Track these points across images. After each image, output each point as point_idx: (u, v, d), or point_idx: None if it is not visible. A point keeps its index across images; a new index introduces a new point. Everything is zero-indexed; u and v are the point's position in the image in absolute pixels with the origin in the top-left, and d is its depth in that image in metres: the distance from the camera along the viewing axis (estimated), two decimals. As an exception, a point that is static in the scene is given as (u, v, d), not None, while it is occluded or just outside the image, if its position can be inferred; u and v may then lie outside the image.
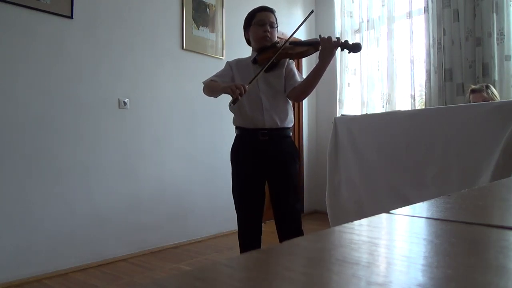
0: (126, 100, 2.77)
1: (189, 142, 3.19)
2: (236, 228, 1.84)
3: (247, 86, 1.56)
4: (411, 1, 3.64)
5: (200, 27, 3.30)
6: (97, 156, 2.60)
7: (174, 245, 3.01)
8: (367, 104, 3.96)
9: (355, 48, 1.63)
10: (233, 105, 1.57)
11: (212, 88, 1.74)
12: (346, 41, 1.66)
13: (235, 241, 3.20)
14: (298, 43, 1.78)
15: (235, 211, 1.82)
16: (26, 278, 2.24)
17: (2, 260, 2.17)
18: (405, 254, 0.30)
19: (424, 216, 0.43)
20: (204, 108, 3.31)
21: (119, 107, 2.74)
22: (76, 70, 2.53)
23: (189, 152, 3.18)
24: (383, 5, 3.82)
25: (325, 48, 1.63)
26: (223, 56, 3.47)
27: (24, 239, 2.25)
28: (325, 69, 1.68)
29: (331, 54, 1.64)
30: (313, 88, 1.77)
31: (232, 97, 1.52)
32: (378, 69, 3.89)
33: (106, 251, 2.62)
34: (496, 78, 3.09)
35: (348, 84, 4.17)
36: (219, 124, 3.43)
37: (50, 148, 2.39)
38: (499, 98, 2.69)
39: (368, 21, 3.99)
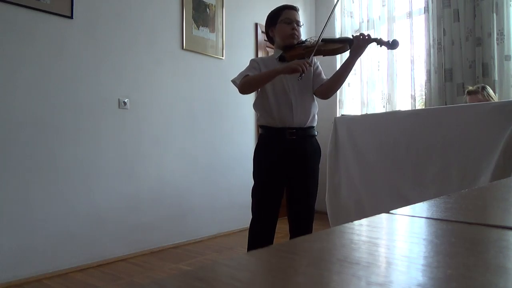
0: (126, 100, 2.77)
1: (189, 142, 3.19)
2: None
3: (309, 60, 1.60)
4: (411, 1, 3.64)
5: (200, 27, 3.30)
6: (97, 156, 2.60)
7: (174, 245, 3.01)
8: (367, 104, 3.96)
9: (393, 45, 1.67)
10: (300, 79, 1.59)
11: (261, 77, 1.70)
12: (381, 39, 1.69)
13: (235, 241, 3.22)
14: (330, 40, 1.79)
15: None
16: (26, 278, 2.24)
17: (2, 260, 2.17)
18: (405, 254, 0.30)
19: (424, 216, 0.43)
20: (204, 108, 3.31)
21: (119, 107, 2.74)
22: (76, 70, 2.53)
23: (189, 152, 3.18)
24: (383, 5, 3.82)
25: (358, 45, 1.67)
26: (223, 56, 3.47)
27: (24, 239, 2.25)
28: (353, 65, 1.73)
29: (362, 51, 1.69)
30: (342, 84, 1.80)
31: (299, 72, 1.56)
32: (378, 69, 3.89)
33: (106, 251, 2.62)
34: (496, 78, 3.09)
35: (348, 84, 4.17)
36: (219, 124, 3.43)
37: (50, 148, 2.39)
38: (495, 99, 2.69)
39: (368, 21, 3.99)
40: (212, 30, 3.40)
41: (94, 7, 2.62)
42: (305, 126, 1.75)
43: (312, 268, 0.26)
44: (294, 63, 1.58)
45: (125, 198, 2.74)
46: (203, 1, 3.33)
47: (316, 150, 1.82)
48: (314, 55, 1.75)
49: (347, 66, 1.73)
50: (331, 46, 1.74)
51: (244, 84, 1.70)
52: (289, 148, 1.73)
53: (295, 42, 1.78)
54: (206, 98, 3.33)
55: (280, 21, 1.80)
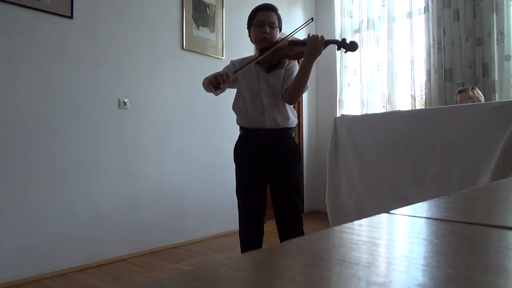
0: (126, 100, 2.77)
1: (189, 142, 3.19)
2: (236, 227, 1.85)
3: (231, 74, 1.58)
4: (411, 1, 3.64)
5: (200, 27, 3.30)
6: (97, 156, 2.60)
7: (174, 245, 3.01)
8: (367, 104, 3.95)
9: (351, 46, 1.60)
10: (214, 90, 1.58)
11: (204, 83, 1.73)
12: (344, 39, 1.63)
13: (235, 241, 3.21)
14: (297, 42, 1.72)
15: (235, 210, 1.83)
16: (26, 278, 2.24)
17: (2, 260, 2.17)
18: (405, 254, 0.30)
19: (424, 216, 0.43)
20: (204, 108, 3.31)
21: (119, 107, 2.74)
22: (76, 70, 2.53)
23: (189, 152, 3.18)
24: (383, 5, 3.82)
25: (310, 46, 1.59)
26: (223, 56, 3.47)
27: (24, 239, 2.25)
28: (310, 68, 1.63)
29: (316, 52, 1.60)
30: (302, 89, 1.69)
31: (213, 84, 1.56)
32: (378, 69, 3.89)
33: (106, 251, 2.62)
34: (496, 78, 3.09)
35: (348, 84, 4.17)
36: (219, 124, 3.43)
37: (50, 148, 2.39)
38: (483, 99, 2.74)
39: (368, 21, 3.99)
40: (212, 30, 3.40)
41: (94, 7, 2.62)
42: (279, 127, 1.72)
43: (312, 268, 0.26)
44: (212, 75, 1.58)
45: (125, 198, 2.74)
46: (203, 1, 3.33)
47: (291, 151, 1.76)
48: (282, 58, 1.71)
49: (303, 70, 1.63)
50: (298, 49, 1.67)
51: (203, 85, 1.74)
52: (262, 149, 1.72)
53: (267, 45, 1.71)
54: (206, 98, 3.32)
55: (253, 24, 1.76)
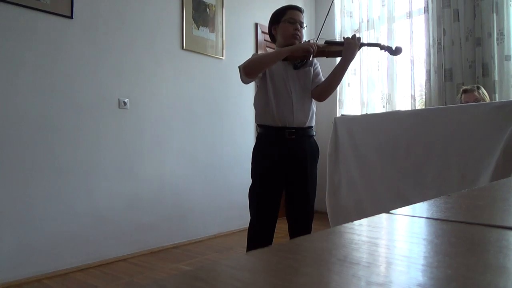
0: (126, 100, 2.77)
1: (189, 142, 3.19)
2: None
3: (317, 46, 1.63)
4: (411, 1, 3.64)
5: (200, 27, 3.30)
6: (97, 156, 2.60)
7: (174, 245, 3.01)
8: (367, 104, 3.95)
9: (396, 51, 1.71)
10: (299, 64, 1.60)
11: (269, 56, 1.73)
12: (387, 46, 1.74)
13: (235, 241, 3.22)
14: (333, 42, 1.81)
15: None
16: (26, 278, 2.24)
17: (2, 260, 2.17)
18: (405, 254, 0.30)
19: (424, 216, 0.43)
20: (204, 108, 3.31)
21: (119, 107, 2.74)
22: (76, 70, 2.53)
23: (189, 152, 3.18)
24: (383, 5, 3.82)
25: (349, 44, 1.69)
26: (223, 56, 3.47)
27: (24, 239, 2.25)
28: (347, 67, 1.73)
29: (354, 52, 1.70)
30: (335, 87, 1.80)
31: (307, 54, 1.59)
32: (378, 69, 3.89)
33: (106, 251, 2.62)
34: (496, 78, 3.09)
35: (348, 84, 4.17)
36: (219, 124, 3.43)
37: (50, 148, 2.39)
38: (489, 99, 2.73)
39: (368, 21, 3.99)
40: (212, 30, 3.40)
41: (94, 7, 2.62)
42: (304, 126, 1.76)
43: (312, 268, 0.26)
44: (306, 43, 1.60)
45: (125, 198, 2.74)
46: (203, 1, 3.33)
47: (314, 150, 1.83)
48: (317, 56, 1.76)
49: (340, 70, 1.73)
50: (335, 48, 1.76)
51: (250, 63, 1.65)
52: (288, 148, 1.73)
53: (297, 42, 1.77)
54: (206, 98, 3.33)
55: (283, 20, 1.80)
